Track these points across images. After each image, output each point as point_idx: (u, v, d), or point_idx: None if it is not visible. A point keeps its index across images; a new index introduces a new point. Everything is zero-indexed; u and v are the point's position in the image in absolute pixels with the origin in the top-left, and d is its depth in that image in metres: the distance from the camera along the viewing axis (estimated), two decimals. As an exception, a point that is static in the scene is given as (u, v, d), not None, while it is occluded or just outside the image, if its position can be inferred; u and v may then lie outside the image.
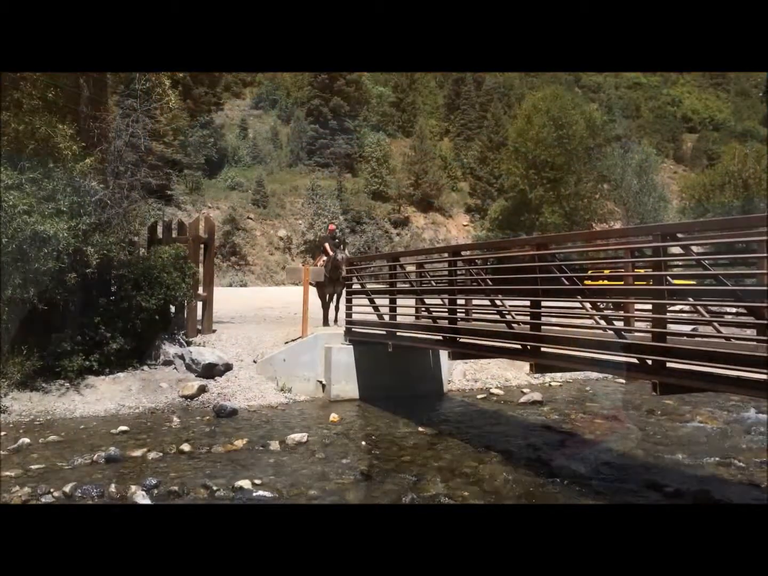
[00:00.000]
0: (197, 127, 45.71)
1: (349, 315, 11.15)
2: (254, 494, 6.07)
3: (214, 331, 12.27)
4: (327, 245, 12.99)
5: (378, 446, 7.85)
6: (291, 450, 7.61)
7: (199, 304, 12.24)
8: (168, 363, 10.70)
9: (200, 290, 12.34)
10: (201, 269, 12.59)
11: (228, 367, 10.71)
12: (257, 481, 6.36)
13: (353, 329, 10.95)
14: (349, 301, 11.28)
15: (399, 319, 9.82)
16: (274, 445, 7.68)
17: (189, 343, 11.29)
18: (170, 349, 10.80)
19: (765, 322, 5.04)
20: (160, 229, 13.05)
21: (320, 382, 10.72)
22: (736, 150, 49.69)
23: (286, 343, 11.22)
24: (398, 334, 9.63)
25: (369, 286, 11.45)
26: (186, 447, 7.54)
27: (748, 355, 4.79)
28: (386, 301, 10.03)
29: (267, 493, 6.07)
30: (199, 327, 12.12)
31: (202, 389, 10.07)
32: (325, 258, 12.80)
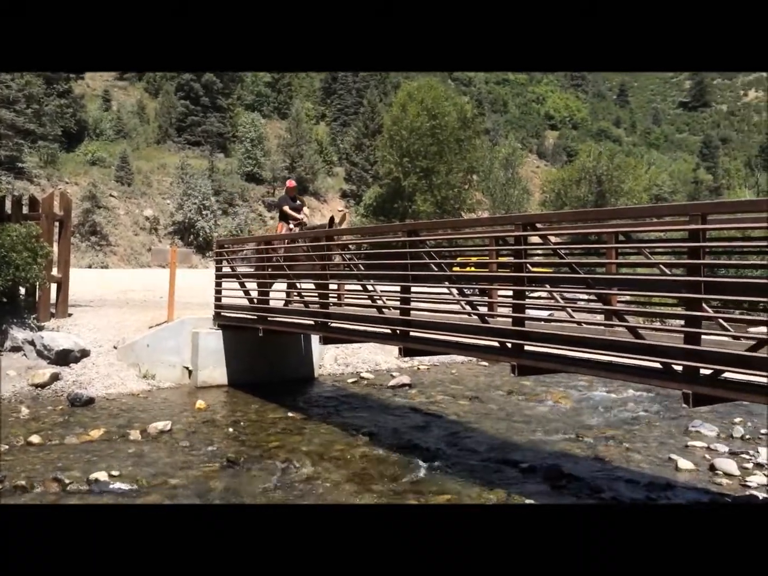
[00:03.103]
0: (54, 95, 42.36)
1: (218, 299, 10.83)
2: (111, 486, 5.76)
3: (69, 315, 11.46)
4: (287, 208, 10.75)
5: (246, 432, 7.71)
6: (153, 439, 7.29)
7: (53, 287, 11.39)
8: (16, 349, 9.88)
9: (54, 271, 11.48)
10: (56, 249, 11.71)
11: (85, 354, 10.06)
12: (114, 473, 6.03)
13: (222, 313, 10.66)
14: (218, 285, 10.94)
15: (271, 303, 9.67)
16: (135, 435, 7.33)
17: (41, 328, 10.49)
18: (19, 335, 9.98)
19: (612, 308, 5.45)
20: (8, 205, 11.97)
21: (186, 368, 10.35)
22: (592, 148, 53.55)
23: (151, 327, 10.72)
24: (269, 318, 9.49)
25: (240, 270, 11.18)
26: (35, 438, 7.01)
27: (597, 338, 5.15)
28: (257, 285, 9.85)
29: (125, 485, 5.78)
30: (53, 311, 11.29)
31: (55, 377, 9.39)
32: (290, 226, 10.66)
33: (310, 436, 7.64)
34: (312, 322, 8.47)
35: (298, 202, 11.03)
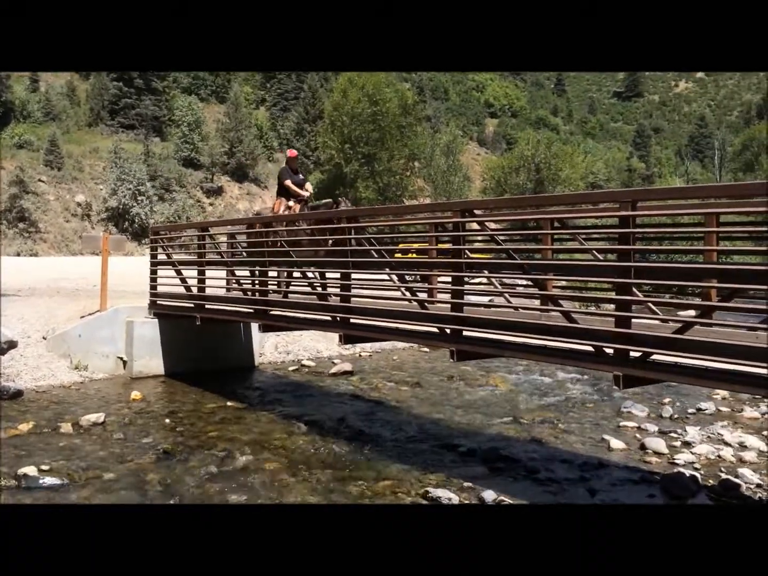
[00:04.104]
0: (-24, 75, 40.34)
1: (153, 287, 10.54)
2: (41, 481, 5.54)
3: (-5, 305, 10.96)
4: (288, 182, 8.96)
5: (183, 423, 7.55)
6: (85, 432, 7.06)
7: (-23, 275, 10.87)
8: (-63, 341, 9.38)
9: (-22, 259, 10.95)
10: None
11: (12, 345, 9.62)
12: (45, 467, 5.81)
13: (158, 302, 10.38)
14: (153, 272, 10.64)
15: (209, 291, 9.48)
16: (66, 428, 7.07)
17: (-36, 319, 9.99)
18: (-61, 326, 9.47)
19: (547, 293, 5.56)
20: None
21: (121, 358, 10.04)
22: (530, 136, 54.48)
23: (83, 317, 10.35)
24: (207, 306, 9.30)
25: (177, 257, 10.90)
26: (-42, 435, 6.70)
27: (532, 323, 5.25)
28: (195, 273, 9.62)
29: (56, 480, 5.57)
30: (-23, 300, 10.77)
31: (-20, 370, 8.98)
32: (289, 204, 8.97)
33: (249, 425, 7.54)
34: (251, 310, 8.36)
35: (300, 176, 9.30)
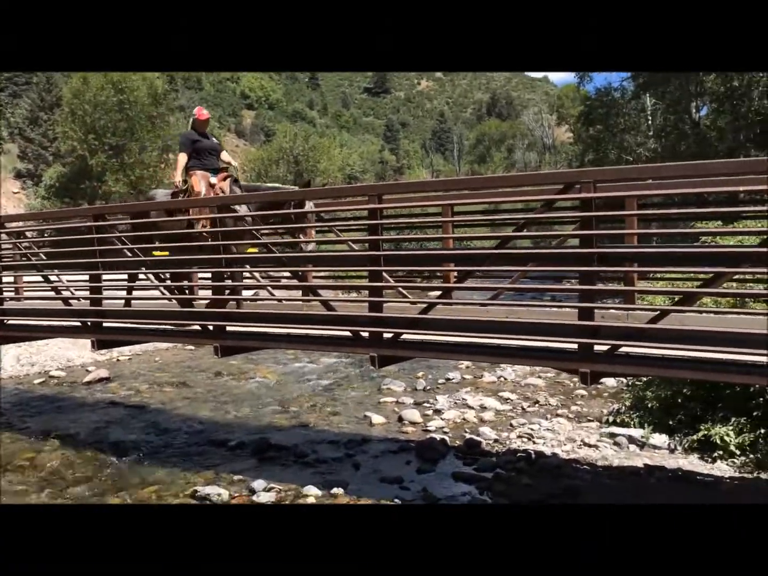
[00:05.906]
0: None
1: None
2: None
3: None
4: (182, 156, 6.57)
5: None
6: None
7: None
8: None
9: None
10: None
11: None
12: None
13: None
14: None
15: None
16: None
17: None
18: None
19: (307, 284, 5.76)
20: None
21: None
22: (288, 129, 55.16)
23: None
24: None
25: None
26: None
27: (294, 313, 5.42)
28: None
29: None
30: None
31: None
32: (212, 180, 6.52)
33: (-12, 448, 6.73)
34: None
35: (214, 139, 6.97)
